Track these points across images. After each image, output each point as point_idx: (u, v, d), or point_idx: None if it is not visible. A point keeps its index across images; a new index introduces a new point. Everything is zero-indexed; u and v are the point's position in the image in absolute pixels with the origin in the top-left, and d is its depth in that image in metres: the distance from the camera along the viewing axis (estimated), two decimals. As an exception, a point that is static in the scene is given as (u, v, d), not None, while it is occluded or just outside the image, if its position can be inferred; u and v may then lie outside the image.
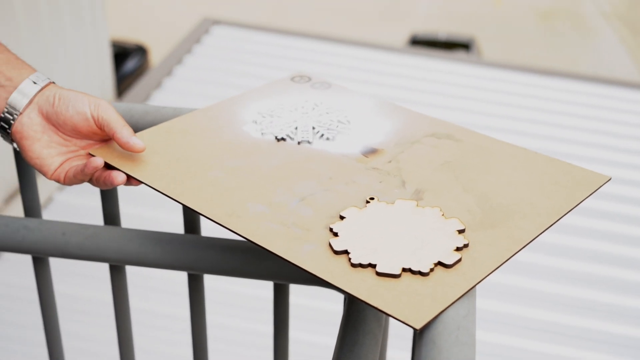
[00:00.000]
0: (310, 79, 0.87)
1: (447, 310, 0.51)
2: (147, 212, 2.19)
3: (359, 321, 0.70)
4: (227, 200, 0.64)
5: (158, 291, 1.96)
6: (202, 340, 0.92)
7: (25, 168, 0.86)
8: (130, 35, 11.25)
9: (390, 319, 0.82)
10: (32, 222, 0.84)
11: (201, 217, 0.83)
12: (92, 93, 2.65)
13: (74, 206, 2.30)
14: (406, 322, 0.50)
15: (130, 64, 8.68)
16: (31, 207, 0.87)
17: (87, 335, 1.80)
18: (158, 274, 1.93)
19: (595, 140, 3.29)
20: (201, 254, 0.81)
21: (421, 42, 11.34)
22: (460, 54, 10.30)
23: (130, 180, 0.70)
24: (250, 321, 1.87)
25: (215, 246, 0.81)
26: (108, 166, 0.70)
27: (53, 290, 0.93)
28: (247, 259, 0.80)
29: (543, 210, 0.62)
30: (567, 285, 2.17)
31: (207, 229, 0.88)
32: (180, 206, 0.85)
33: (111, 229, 0.83)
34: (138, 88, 3.61)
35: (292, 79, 0.88)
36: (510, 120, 3.43)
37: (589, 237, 2.46)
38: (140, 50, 9.17)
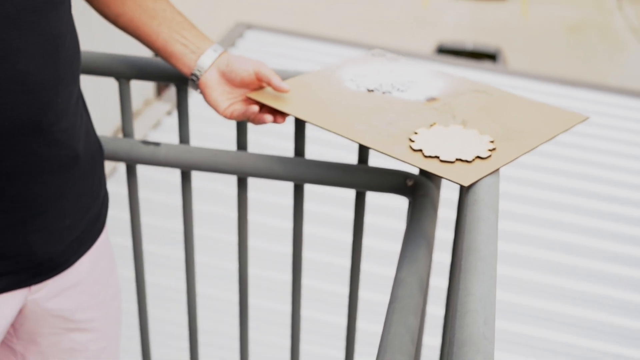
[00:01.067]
0: (385, 54, 1.24)
1: (483, 178, 0.88)
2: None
3: (422, 209, 1.06)
4: (343, 122, 1.01)
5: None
6: (299, 247, 1.29)
7: (183, 108, 1.23)
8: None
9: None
10: (192, 147, 1.22)
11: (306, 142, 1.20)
12: (133, 92, 3.42)
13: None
14: (459, 182, 0.87)
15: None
16: (185, 135, 1.25)
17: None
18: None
19: (620, 150, 3.49)
20: (306, 169, 1.18)
21: (448, 51, 11.67)
22: (486, 63, 10.57)
23: (276, 118, 1.07)
24: (332, 230, 2.46)
25: (317, 165, 1.18)
26: (260, 110, 1.07)
27: (192, 200, 1.31)
28: (340, 173, 1.16)
29: (540, 133, 0.98)
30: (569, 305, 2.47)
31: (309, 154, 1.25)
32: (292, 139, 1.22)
33: (246, 153, 1.21)
34: (172, 87, 4.04)
35: (372, 54, 1.25)
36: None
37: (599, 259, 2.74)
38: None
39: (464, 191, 0.88)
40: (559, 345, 2.21)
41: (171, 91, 4.28)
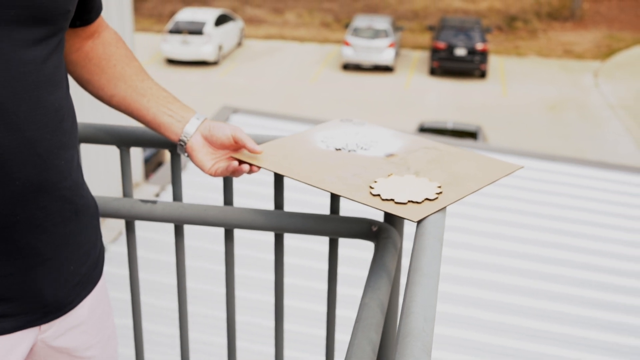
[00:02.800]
0: (352, 120, 1.43)
1: (430, 215, 1.05)
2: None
3: (385, 248, 1.22)
4: (314, 175, 1.19)
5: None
6: (280, 294, 1.44)
7: (176, 167, 1.41)
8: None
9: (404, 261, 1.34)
10: (185, 204, 1.38)
11: (285, 196, 1.37)
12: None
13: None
14: (410, 218, 1.04)
15: (145, 154, 9.13)
16: (178, 193, 1.42)
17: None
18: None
19: (600, 221, 3.64)
20: (285, 220, 1.34)
21: (430, 131, 12.02)
22: (467, 141, 10.90)
23: (252, 168, 1.25)
24: (307, 279, 2.58)
25: (295, 216, 1.35)
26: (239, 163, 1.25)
27: (184, 253, 1.46)
28: (315, 222, 1.33)
29: (481, 178, 1.16)
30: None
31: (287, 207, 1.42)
32: (271, 192, 1.39)
33: (232, 207, 1.37)
34: (161, 175, 4.27)
35: (341, 120, 1.44)
36: (514, 201, 3.82)
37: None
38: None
39: (416, 226, 1.05)
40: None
41: (158, 174, 4.48)
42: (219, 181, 3.20)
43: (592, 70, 17.79)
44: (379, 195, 1.12)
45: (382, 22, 17.60)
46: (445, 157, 1.25)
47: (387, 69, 17.13)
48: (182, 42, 16.81)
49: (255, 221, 1.35)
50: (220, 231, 2.54)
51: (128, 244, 1.47)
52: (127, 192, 1.43)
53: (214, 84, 16.07)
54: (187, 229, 1.42)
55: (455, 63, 16.73)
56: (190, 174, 3.66)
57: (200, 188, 3.49)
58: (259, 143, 1.34)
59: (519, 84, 16.64)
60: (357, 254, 2.26)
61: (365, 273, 2.59)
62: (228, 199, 1.41)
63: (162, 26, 19.92)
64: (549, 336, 2.64)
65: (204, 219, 1.37)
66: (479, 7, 22.56)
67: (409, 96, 15.65)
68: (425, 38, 19.58)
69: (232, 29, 18.32)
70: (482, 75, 16.86)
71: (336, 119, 1.45)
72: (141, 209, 1.38)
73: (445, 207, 1.08)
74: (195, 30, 17.01)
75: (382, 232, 1.27)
